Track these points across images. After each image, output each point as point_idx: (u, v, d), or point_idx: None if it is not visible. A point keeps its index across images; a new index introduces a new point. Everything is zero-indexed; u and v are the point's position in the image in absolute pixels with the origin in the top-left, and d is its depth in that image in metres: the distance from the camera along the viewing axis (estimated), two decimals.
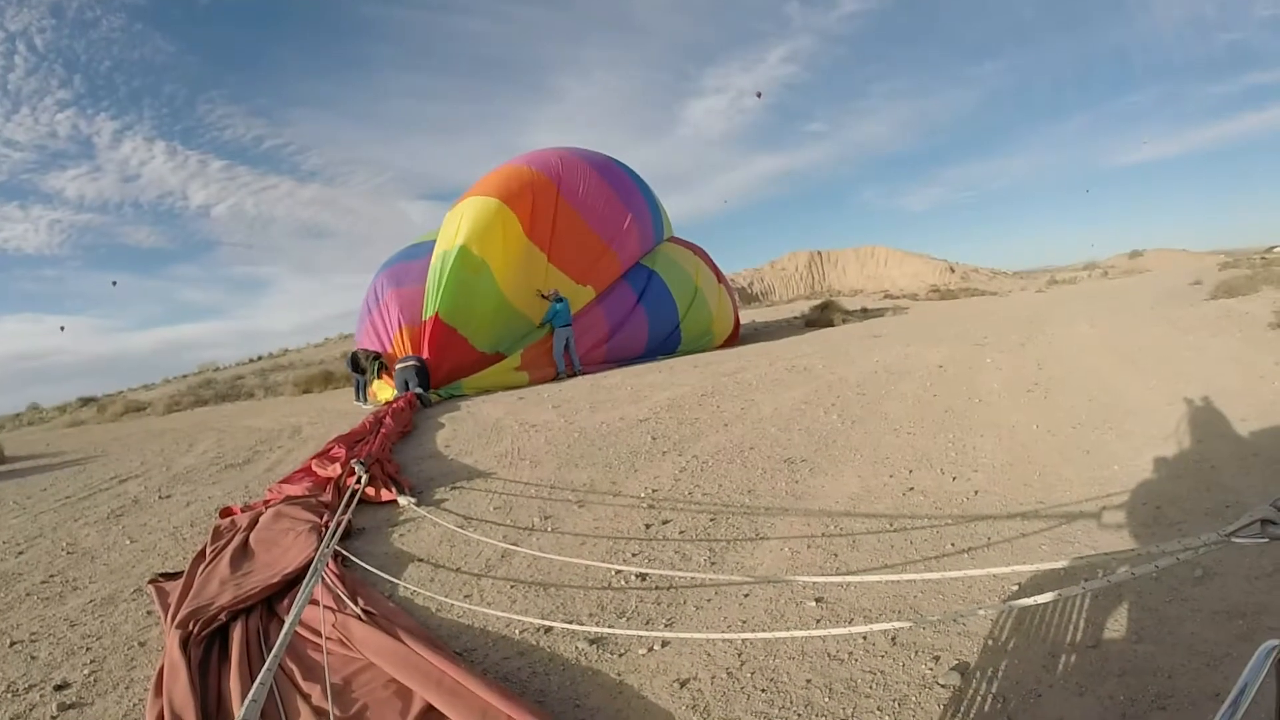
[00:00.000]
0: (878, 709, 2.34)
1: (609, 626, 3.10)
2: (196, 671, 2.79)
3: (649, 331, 13.82)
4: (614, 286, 13.55)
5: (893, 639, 2.73)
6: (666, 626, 3.08)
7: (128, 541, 5.17)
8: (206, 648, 3.02)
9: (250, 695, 1.80)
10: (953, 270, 42.54)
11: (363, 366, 12.66)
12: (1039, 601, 1.59)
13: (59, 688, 3.05)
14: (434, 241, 12.75)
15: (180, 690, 2.62)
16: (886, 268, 44.47)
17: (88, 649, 3.42)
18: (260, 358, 30.97)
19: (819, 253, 47.83)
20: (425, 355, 11.22)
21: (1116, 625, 2.59)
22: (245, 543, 4.34)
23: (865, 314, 22.01)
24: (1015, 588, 3.01)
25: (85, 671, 3.18)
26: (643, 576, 3.58)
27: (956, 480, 4.56)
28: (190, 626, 3.10)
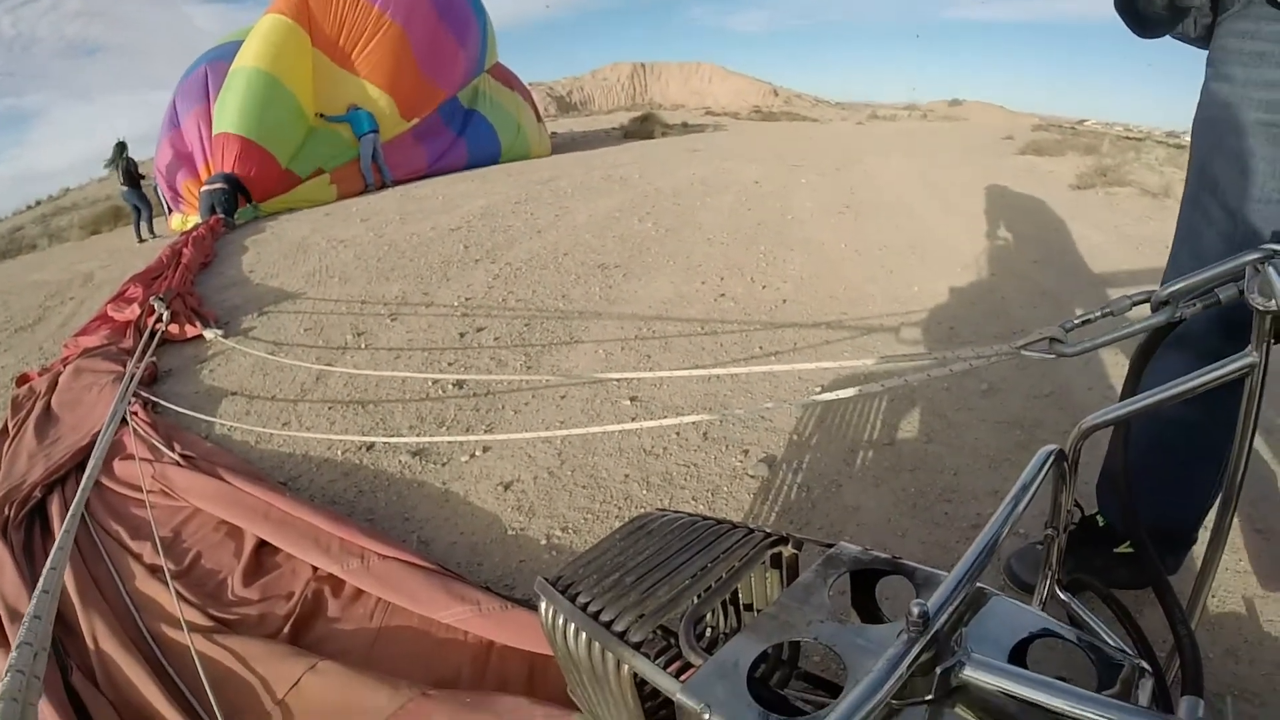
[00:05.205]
0: (693, 499, 2.42)
1: (430, 436, 3.02)
2: (22, 557, 2.40)
3: (468, 163, 13.06)
4: (430, 121, 12.59)
5: (704, 434, 2.81)
6: (486, 431, 3.03)
7: None
8: (28, 529, 2.62)
9: (40, 585, 1.52)
10: (776, 94, 42.73)
11: (137, 175, 11.19)
12: (841, 396, 1.62)
13: None
14: (235, 44, 11.28)
15: (9, 581, 2.25)
16: (710, 85, 43.96)
17: None
18: (39, 202, 26.27)
19: (643, 64, 46.33)
20: (236, 171, 10.00)
21: (909, 427, 2.79)
22: (47, 408, 3.77)
23: (686, 128, 21.80)
24: (819, 388, 3.17)
25: None
26: (460, 384, 3.47)
27: (766, 289, 4.69)
28: (6, 511, 2.66)
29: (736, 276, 4.97)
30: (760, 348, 3.77)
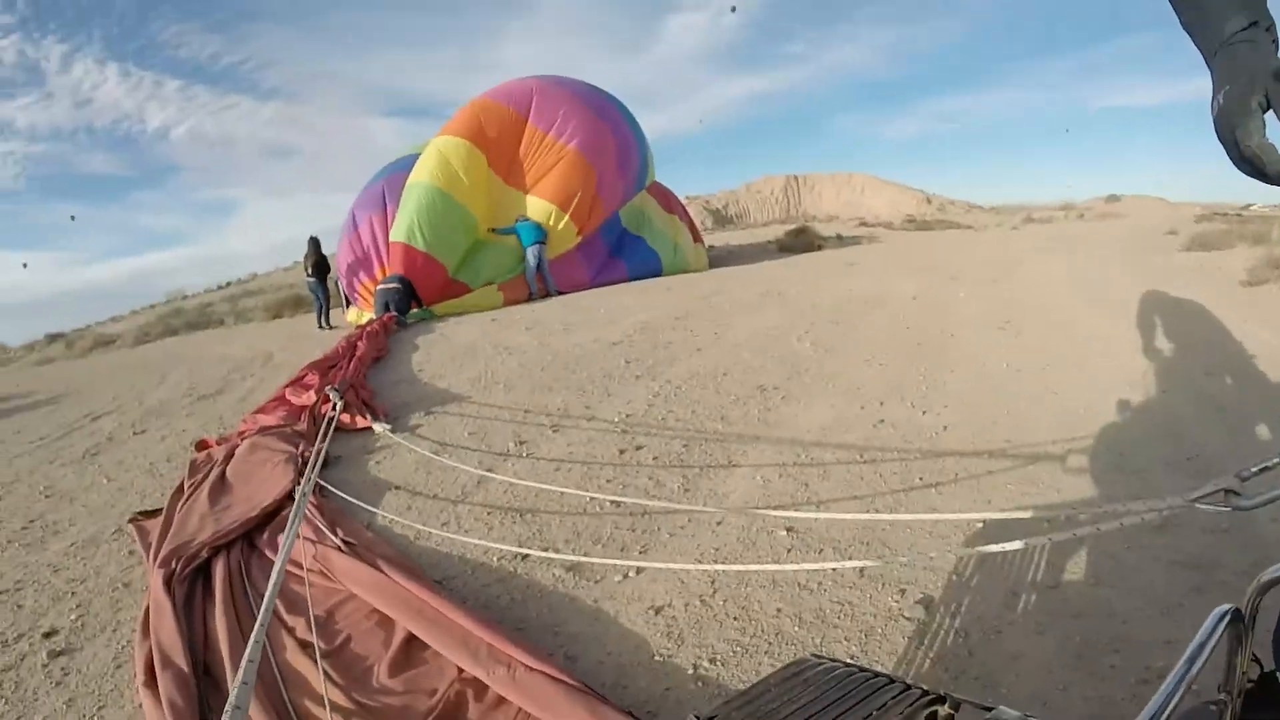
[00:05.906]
0: (845, 639, 2.42)
1: (585, 554, 3.15)
2: (182, 610, 2.78)
3: (629, 279, 13.73)
4: (592, 238, 13.42)
5: (861, 571, 2.80)
6: (641, 554, 3.14)
7: (105, 481, 5.10)
8: (190, 585, 3.01)
9: (240, 676, 1.74)
10: (929, 202, 42.25)
11: (326, 267, 12.55)
12: (1006, 549, 1.61)
13: (47, 635, 3.05)
14: (411, 158, 12.66)
15: (167, 630, 2.62)
16: (863, 195, 44.08)
17: (73, 594, 3.41)
18: (229, 283, 29.88)
19: (795, 177, 47.18)
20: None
21: (1076, 568, 2.67)
22: (222, 476, 4.31)
23: (840, 241, 21.87)
24: (980, 525, 3.10)
25: (72, 617, 3.17)
26: (617, 504, 3.62)
27: (926, 414, 4.63)
28: (173, 565, 3.08)
29: (896, 401, 4.93)
30: (920, 478, 3.70)
